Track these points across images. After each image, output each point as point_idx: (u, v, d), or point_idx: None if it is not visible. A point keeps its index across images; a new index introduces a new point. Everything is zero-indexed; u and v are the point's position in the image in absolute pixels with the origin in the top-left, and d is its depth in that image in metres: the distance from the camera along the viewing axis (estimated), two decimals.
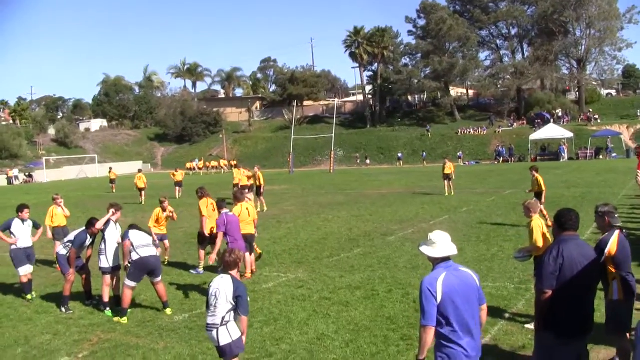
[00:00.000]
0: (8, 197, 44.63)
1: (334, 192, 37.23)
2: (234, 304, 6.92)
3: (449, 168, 32.34)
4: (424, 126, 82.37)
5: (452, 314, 5.42)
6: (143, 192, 36.17)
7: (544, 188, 20.26)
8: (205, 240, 15.43)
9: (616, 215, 7.65)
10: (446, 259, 5.69)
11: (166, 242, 16.57)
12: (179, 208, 24.02)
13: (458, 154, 70.03)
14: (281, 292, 12.67)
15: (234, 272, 7.14)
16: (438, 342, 5.52)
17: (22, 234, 13.25)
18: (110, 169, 50.95)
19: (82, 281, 12.56)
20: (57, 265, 13.59)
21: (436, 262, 5.70)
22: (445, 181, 32.31)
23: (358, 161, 76.75)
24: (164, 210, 15.90)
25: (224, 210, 13.15)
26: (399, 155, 73.78)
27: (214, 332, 6.98)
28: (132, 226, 11.83)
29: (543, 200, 19.58)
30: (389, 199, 30.85)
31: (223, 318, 6.94)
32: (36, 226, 13.85)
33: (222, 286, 6.96)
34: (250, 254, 14.34)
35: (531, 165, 23.06)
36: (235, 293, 6.90)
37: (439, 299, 5.42)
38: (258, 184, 28.97)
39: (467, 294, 5.52)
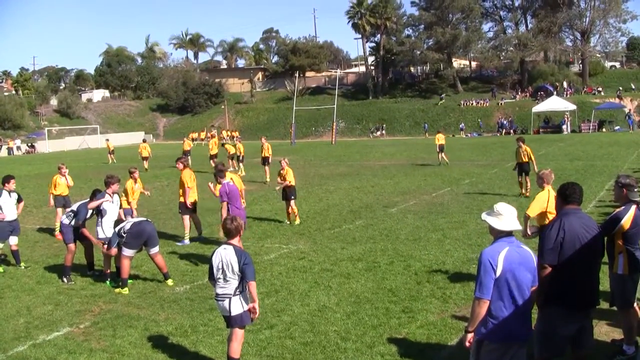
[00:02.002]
0: (10, 167, 44.56)
1: (336, 164, 37.18)
2: (240, 274, 6.91)
3: (441, 139, 33.29)
4: (426, 97, 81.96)
5: (507, 290, 5.34)
6: (146, 161, 38.05)
7: (533, 158, 20.67)
8: (188, 210, 15.53)
9: (635, 190, 7.54)
10: (509, 233, 5.54)
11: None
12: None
13: (460, 125, 69.78)
14: (282, 263, 12.69)
15: (236, 241, 7.10)
16: (484, 316, 5.42)
17: (9, 207, 13.14)
18: (107, 140, 52.06)
19: (85, 251, 12.60)
20: (57, 233, 13.57)
21: (499, 234, 5.55)
22: (440, 153, 32.97)
23: (377, 133, 75.39)
24: (135, 181, 15.41)
25: (225, 180, 12.92)
26: (377, 126, 73.95)
27: (226, 302, 6.97)
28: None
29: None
30: (390, 171, 30.81)
31: (236, 288, 6.95)
32: (19, 199, 13.65)
33: (227, 258, 6.94)
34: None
35: (518, 136, 23.22)
36: (240, 263, 6.89)
37: (498, 273, 5.31)
38: (265, 154, 29.24)
39: (525, 273, 5.43)
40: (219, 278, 6.99)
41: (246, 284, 6.96)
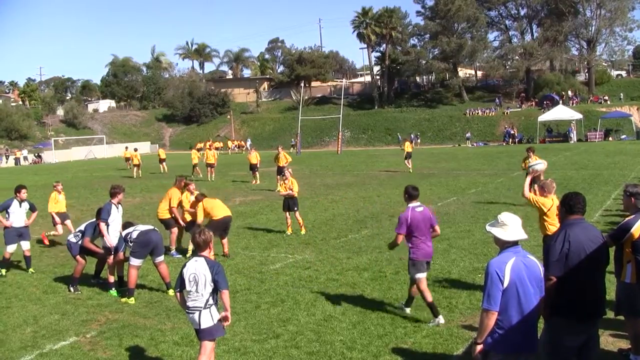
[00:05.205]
0: (17, 177, 44.77)
1: (342, 173, 37.20)
2: (213, 285, 6.89)
3: (409, 147, 35.54)
4: (431, 107, 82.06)
5: (514, 301, 5.33)
6: (138, 168, 41.89)
7: None
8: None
9: None
10: (515, 243, 5.53)
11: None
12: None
13: (466, 135, 69.74)
14: (288, 273, 12.69)
15: (207, 253, 7.08)
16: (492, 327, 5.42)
17: (17, 215, 13.71)
18: (127, 148, 56.02)
19: (97, 261, 12.79)
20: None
21: (505, 245, 5.54)
22: (406, 160, 35.14)
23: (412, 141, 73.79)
24: (192, 193, 15.19)
25: (412, 204, 9.87)
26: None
27: (196, 315, 6.95)
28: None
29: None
30: (396, 180, 30.77)
31: (207, 301, 6.92)
32: (32, 209, 14.26)
33: (199, 270, 6.92)
34: (223, 238, 14.46)
35: (527, 146, 23.16)
36: (213, 274, 6.87)
37: (505, 284, 5.30)
38: (281, 164, 29.30)
39: (531, 283, 5.42)
40: (191, 291, 6.97)
41: (218, 295, 6.95)
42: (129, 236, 11.30)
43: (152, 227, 11.74)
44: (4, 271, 13.53)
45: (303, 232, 17.08)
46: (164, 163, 44.41)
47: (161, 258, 11.50)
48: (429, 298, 9.20)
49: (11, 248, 13.59)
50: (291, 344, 8.58)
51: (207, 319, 6.94)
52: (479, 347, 5.47)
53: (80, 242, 12.22)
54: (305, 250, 14.91)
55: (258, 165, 32.95)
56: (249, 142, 74.00)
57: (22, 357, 8.60)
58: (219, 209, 14.38)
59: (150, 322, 9.85)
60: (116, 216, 12.11)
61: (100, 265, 12.81)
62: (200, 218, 14.10)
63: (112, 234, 11.99)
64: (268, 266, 13.39)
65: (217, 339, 7.33)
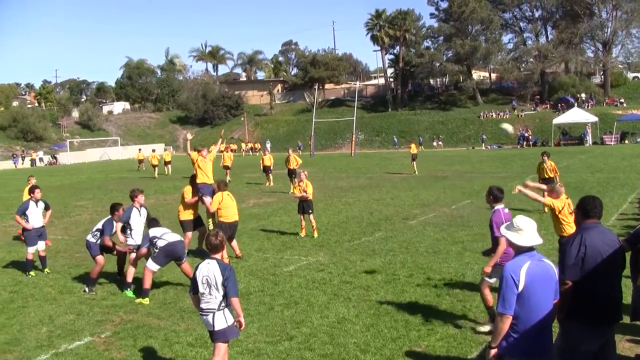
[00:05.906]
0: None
1: (355, 176, 37.17)
2: (224, 288, 6.91)
3: (414, 149, 36.94)
4: (445, 110, 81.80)
5: (529, 305, 5.31)
6: (156, 168, 43.59)
7: (558, 173, 20.30)
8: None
9: None
10: (531, 248, 5.50)
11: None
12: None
13: (481, 137, 69.43)
14: (302, 275, 12.69)
15: (219, 255, 7.13)
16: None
17: (35, 215, 13.94)
18: (140, 150, 56.87)
19: (117, 259, 12.99)
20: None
21: (520, 249, 5.53)
22: (413, 162, 36.24)
23: (435, 143, 73.73)
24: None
25: (498, 206, 9.25)
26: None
27: (210, 317, 6.96)
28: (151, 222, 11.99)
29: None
30: (410, 183, 30.74)
31: (220, 303, 6.94)
32: (47, 207, 14.55)
33: (211, 272, 6.93)
34: (231, 242, 14.42)
35: (543, 150, 22.98)
36: (223, 277, 6.88)
37: (520, 288, 5.29)
38: (292, 166, 29.42)
39: (546, 287, 5.40)
40: (204, 293, 6.99)
41: (230, 300, 6.96)
42: (155, 240, 11.27)
43: (179, 237, 11.67)
44: (32, 272, 13.69)
45: (316, 235, 17.04)
46: (168, 165, 45.56)
47: (183, 260, 11.61)
48: (490, 302, 8.98)
49: (32, 249, 13.81)
50: (305, 346, 8.59)
51: (221, 320, 6.96)
52: (494, 351, 5.45)
53: (99, 242, 12.33)
54: (319, 253, 14.92)
55: (272, 168, 33.11)
56: (268, 145, 73.44)
57: (38, 356, 8.67)
58: (231, 213, 14.33)
59: (165, 323, 9.89)
60: (137, 219, 12.23)
61: (121, 262, 12.94)
62: (214, 207, 14.10)
63: (134, 237, 12.12)
64: (282, 268, 13.41)
65: (230, 340, 7.36)
